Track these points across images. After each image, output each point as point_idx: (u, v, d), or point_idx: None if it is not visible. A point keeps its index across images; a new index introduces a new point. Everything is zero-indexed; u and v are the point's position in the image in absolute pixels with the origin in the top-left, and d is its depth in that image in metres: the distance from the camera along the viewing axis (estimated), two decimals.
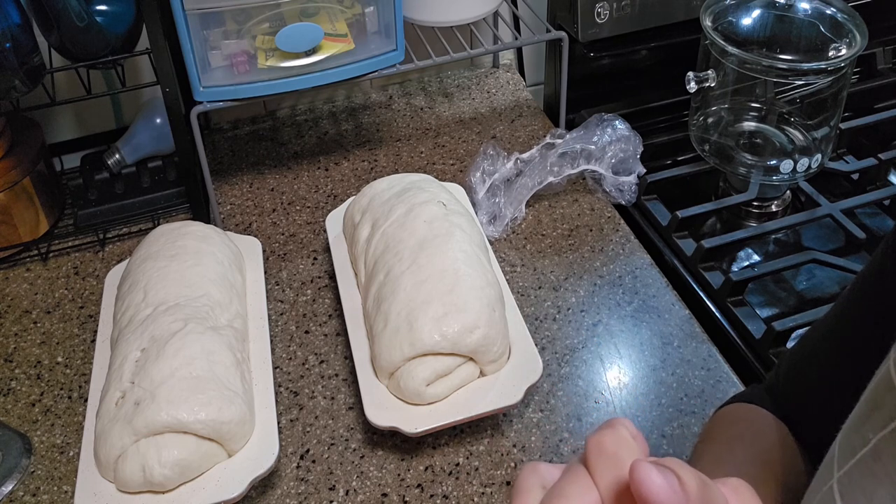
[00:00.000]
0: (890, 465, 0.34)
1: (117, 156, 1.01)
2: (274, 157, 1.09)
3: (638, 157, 0.98)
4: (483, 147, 0.97)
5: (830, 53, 0.91)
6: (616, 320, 0.85)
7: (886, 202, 0.99)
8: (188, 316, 0.71)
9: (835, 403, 0.44)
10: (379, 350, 0.71)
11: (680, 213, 0.95)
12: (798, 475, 0.55)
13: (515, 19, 1.16)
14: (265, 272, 0.86)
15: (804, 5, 0.95)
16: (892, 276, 0.47)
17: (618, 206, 0.99)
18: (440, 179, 0.89)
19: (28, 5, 0.82)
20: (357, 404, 0.77)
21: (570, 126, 1.05)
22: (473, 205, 0.93)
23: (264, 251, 0.90)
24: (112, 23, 0.85)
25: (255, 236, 0.91)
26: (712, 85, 0.97)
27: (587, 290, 0.88)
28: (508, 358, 0.73)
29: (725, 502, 0.30)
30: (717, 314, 0.87)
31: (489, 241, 0.90)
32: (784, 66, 0.90)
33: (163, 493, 0.65)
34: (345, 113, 1.16)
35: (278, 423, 0.72)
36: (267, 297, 0.84)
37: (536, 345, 0.75)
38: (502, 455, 0.73)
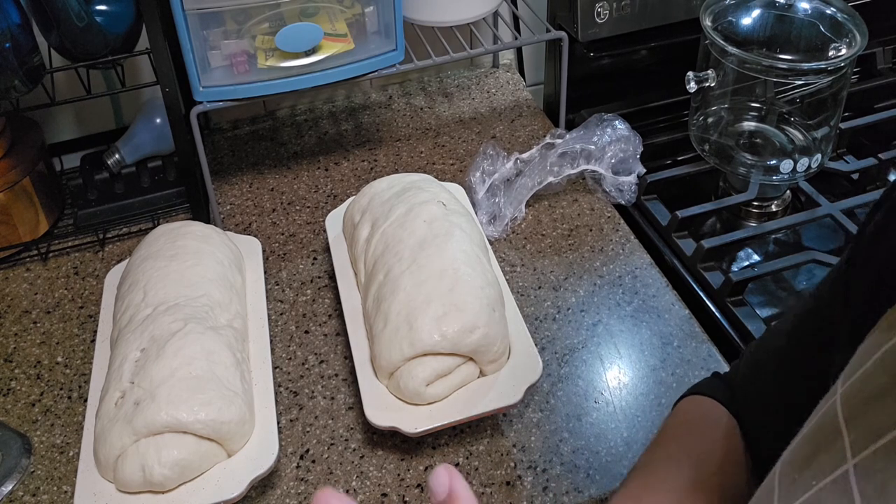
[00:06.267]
0: None
1: (117, 156, 1.01)
2: (274, 157, 1.09)
3: (638, 156, 0.98)
4: (483, 147, 0.97)
5: (830, 53, 0.91)
6: (616, 320, 0.85)
7: None
8: (188, 316, 0.71)
9: (785, 405, 0.44)
10: (379, 350, 0.71)
11: (680, 213, 0.95)
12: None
13: (515, 19, 1.16)
14: (265, 272, 0.86)
15: (804, 5, 0.95)
16: (837, 304, 0.48)
17: (618, 206, 0.99)
18: (440, 179, 0.89)
19: (28, 5, 0.82)
20: (357, 404, 0.77)
21: (570, 126, 1.05)
22: (473, 205, 0.93)
23: (264, 251, 0.90)
24: (112, 23, 0.85)
25: (255, 236, 0.91)
26: (712, 85, 0.97)
27: (587, 290, 0.88)
28: (508, 358, 0.73)
29: None
30: (716, 314, 0.87)
31: (489, 241, 0.90)
32: (784, 66, 0.90)
33: (162, 493, 0.65)
34: (345, 113, 1.16)
35: (278, 423, 0.72)
36: (267, 297, 0.84)
37: (536, 345, 0.75)
38: (502, 455, 0.73)
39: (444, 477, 0.38)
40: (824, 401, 0.39)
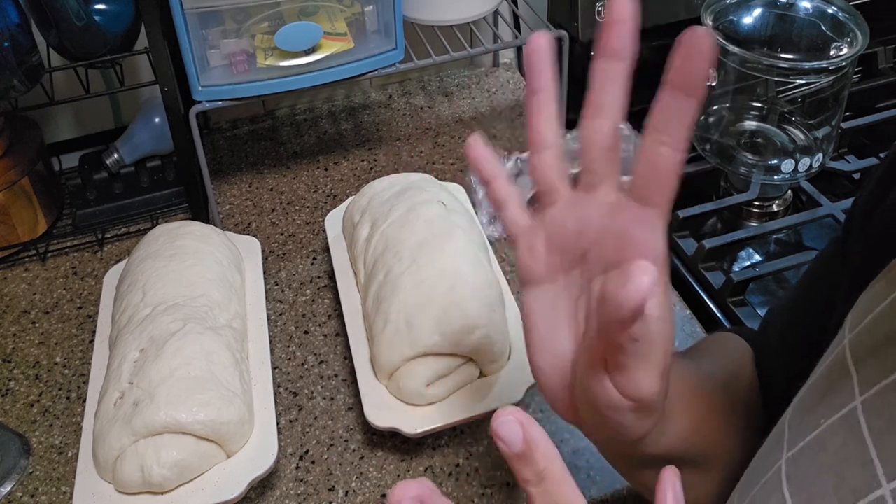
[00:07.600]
0: (833, 456, 0.34)
1: (116, 155, 1.01)
2: (273, 156, 1.08)
3: None
4: None
5: (832, 53, 0.91)
6: None
7: None
8: (187, 316, 0.71)
9: (792, 361, 0.45)
10: (379, 350, 0.70)
11: (681, 213, 0.95)
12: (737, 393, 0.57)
13: (515, 18, 1.15)
14: (264, 272, 0.86)
15: (805, 4, 0.94)
16: (839, 256, 0.49)
17: None
18: (440, 179, 0.88)
19: (26, 4, 0.82)
20: (357, 405, 0.76)
21: (571, 126, 1.04)
22: (473, 205, 0.93)
23: (263, 251, 0.90)
24: (111, 22, 0.85)
25: (255, 236, 0.90)
26: (713, 84, 0.97)
27: None
28: (508, 358, 0.73)
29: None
30: (718, 314, 0.87)
31: (489, 241, 0.90)
32: (785, 66, 0.89)
33: (161, 493, 0.65)
34: (344, 112, 1.16)
35: (277, 423, 0.72)
36: (266, 297, 0.84)
37: None
38: (502, 456, 0.73)
39: (516, 426, 0.31)
40: (831, 349, 0.39)
